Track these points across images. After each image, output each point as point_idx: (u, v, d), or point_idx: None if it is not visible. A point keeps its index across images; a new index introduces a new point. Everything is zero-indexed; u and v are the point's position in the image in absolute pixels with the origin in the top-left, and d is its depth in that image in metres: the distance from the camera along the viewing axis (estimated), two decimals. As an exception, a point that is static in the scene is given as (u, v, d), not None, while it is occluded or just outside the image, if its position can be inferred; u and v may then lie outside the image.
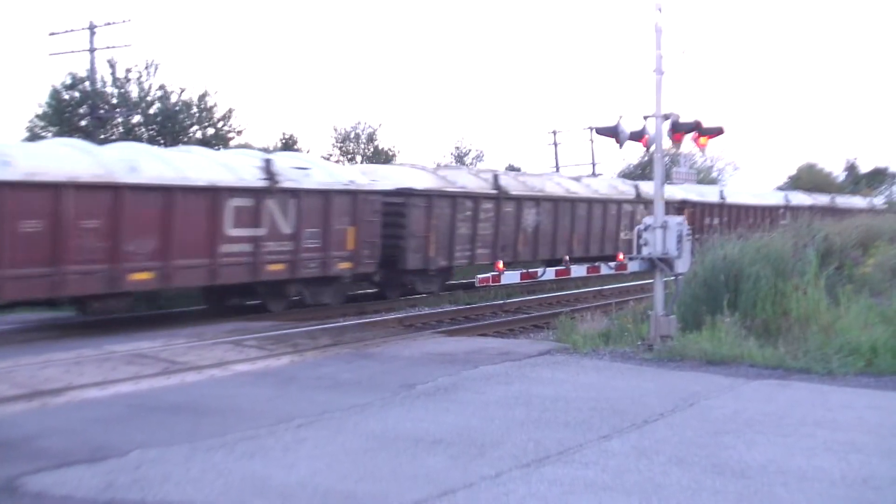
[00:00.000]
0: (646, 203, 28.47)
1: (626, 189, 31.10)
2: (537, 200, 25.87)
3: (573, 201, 27.60)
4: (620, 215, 29.82)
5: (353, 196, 19.95)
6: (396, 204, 21.51)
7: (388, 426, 8.28)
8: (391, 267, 21.54)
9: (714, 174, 64.76)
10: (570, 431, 8.05)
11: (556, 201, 26.78)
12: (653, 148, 13.02)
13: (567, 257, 19.98)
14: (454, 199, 22.89)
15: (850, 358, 11.21)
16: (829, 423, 8.48)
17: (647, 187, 30.12)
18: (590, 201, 28.36)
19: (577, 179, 30.62)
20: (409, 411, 8.93)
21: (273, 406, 9.28)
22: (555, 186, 27.61)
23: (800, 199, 44.48)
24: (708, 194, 36.84)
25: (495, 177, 24.92)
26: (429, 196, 22.18)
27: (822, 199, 47.01)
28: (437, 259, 22.42)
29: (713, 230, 31.16)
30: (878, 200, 54.53)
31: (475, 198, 23.51)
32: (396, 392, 9.87)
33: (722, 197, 37.34)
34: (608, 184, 31.31)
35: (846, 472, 6.91)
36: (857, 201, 52.37)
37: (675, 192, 32.01)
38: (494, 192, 24.20)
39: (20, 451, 7.54)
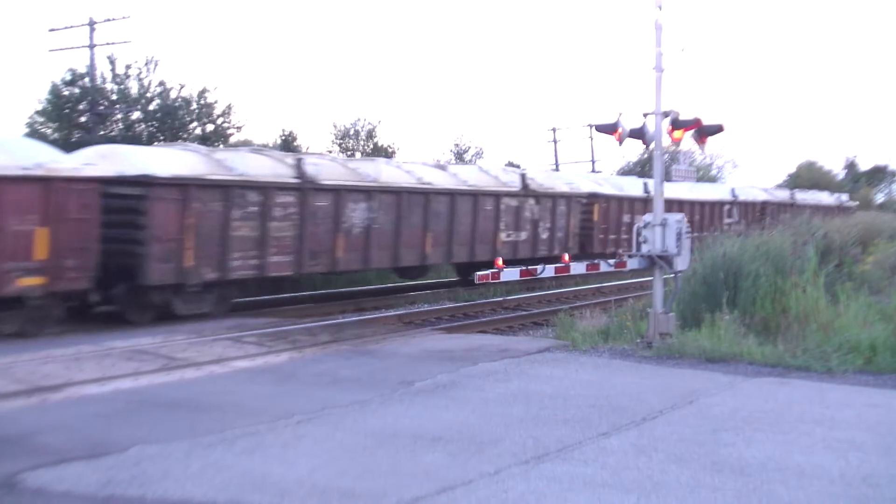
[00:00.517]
0: (537, 197, 25.20)
1: (509, 179, 25.03)
2: (368, 193, 19.95)
3: (427, 194, 21.55)
4: (500, 212, 23.83)
5: (45, 184, 14.34)
6: (131, 196, 15.97)
7: (387, 423, 8.29)
8: (131, 281, 16.19)
9: (714, 171, 64.77)
10: (569, 429, 8.05)
11: (398, 194, 20.73)
12: (652, 145, 13.03)
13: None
14: (228, 189, 17.12)
15: (850, 356, 11.22)
16: (827, 420, 8.49)
17: (545, 178, 26.82)
18: (452, 194, 22.31)
19: (442, 167, 24.53)
20: (408, 408, 8.93)
21: (272, 402, 9.28)
22: (399, 175, 21.64)
23: (751, 193, 39.43)
24: (628, 187, 31.37)
25: (299, 162, 19.05)
26: (183, 186, 16.41)
27: (779, 195, 42.57)
28: (201, 270, 16.77)
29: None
30: (845, 198, 49.41)
31: (263, 188, 17.71)
32: (395, 389, 9.88)
33: (646, 190, 31.09)
34: (482, 172, 25.24)
35: (845, 469, 6.92)
36: (824, 197, 47.54)
37: (583, 183, 28.85)
38: (296, 181, 18.42)
39: (19, 447, 7.54)
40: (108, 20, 34.01)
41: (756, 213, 37.47)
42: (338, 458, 7.11)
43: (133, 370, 11.09)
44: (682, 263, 12.74)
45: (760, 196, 39.90)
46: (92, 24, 34.07)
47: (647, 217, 12.87)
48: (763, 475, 6.74)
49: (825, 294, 13.51)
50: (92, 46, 34.39)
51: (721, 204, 35.70)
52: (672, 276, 12.92)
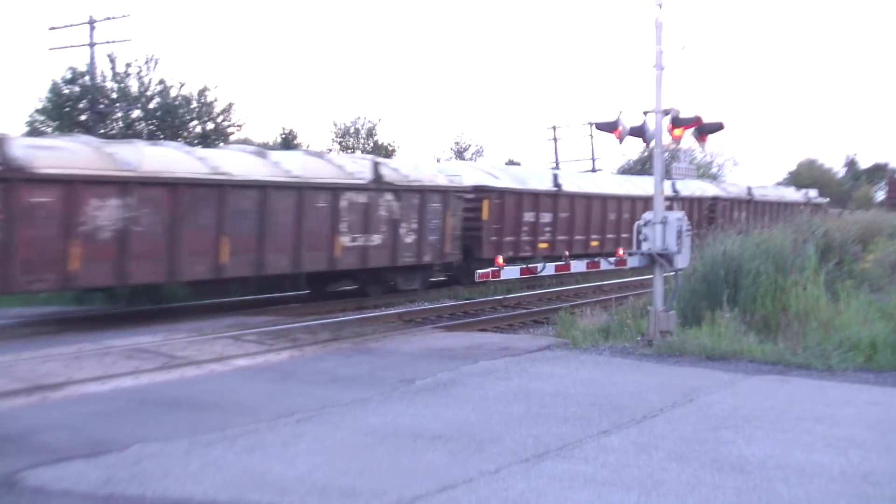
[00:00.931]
0: (397, 191, 20.52)
1: (357, 169, 19.97)
2: (124, 185, 15.35)
3: (222, 187, 16.87)
4: (339, 210, 19.05)
5: None
6: None
7: (387, 421, 8.29)
8: None
9: (714, 169, 64.78)
10: (569, 427, 8.05)
11: (173, 187, 16.11)
12: (653, 143, 13.03)
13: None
14: None
15: (850, 353, 11.22)
16: (828, 418, 8.49)
17: (410, 169, 21.99)
18: (263, 187, 17.63)
19: (261, 154, 19.43)
20: (408, 406, 8.93)
21: (272, 401, 9.28)
22: (177, 162, 16.80)
23: (698, 188, 34.83)
24: (533, 180, 26.38)
25: (3, 144, 14.18)
26: None
27: (733, 190, 37.87)
28: None
29: (543, 229, 25.95)
30: (813, 193, 45.04)
31: None
32: (396, 387, 9.87)
33: (556, 183, 26.77)
34: (317, 160, 20.33)
35: (845, 467, 6.91)
36: (789, 194, 43.14)
37: (469, 174, 24.47)
38: None
39: (20, 445, 7.54)
40: (109, 18, 34.08)
41: (704, 211, 33.60)
42: (338, 457, 7.10)
43: (133, 368, 11.09)
44: (682, 261, 12.75)
45: (710, 191, 35.82)
46: (92, 22, 34.09)
47: (648, 215, 12.91)
48: (763, 473, 6.73)
49: (825, 292, 13.51)
50: (92, 45, 34.41)
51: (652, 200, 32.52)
52: (672, 273, 12.92)
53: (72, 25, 34.77)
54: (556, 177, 27.22)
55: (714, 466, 6.88)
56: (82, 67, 35.45)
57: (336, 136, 49.98)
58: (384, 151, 45.92)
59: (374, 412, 8.67)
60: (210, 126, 37.18)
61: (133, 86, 36.17)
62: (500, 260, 13.16)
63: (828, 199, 48.04)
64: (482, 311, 20.03)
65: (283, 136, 44.80)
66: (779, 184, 54.70)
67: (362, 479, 6.54)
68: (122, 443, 7.45)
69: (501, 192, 24.39)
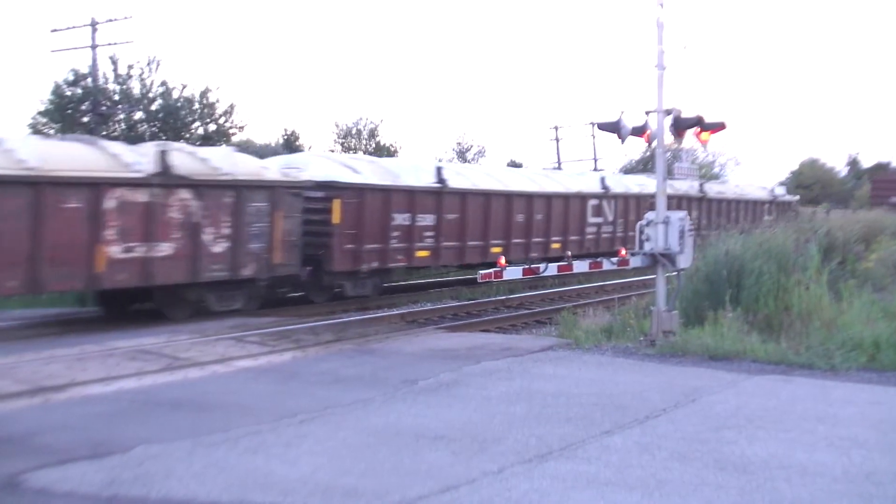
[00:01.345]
0: (196, 187, 16.44)
1: (135, 159, 15.95)
2: None
3: None
4: (101, 211, 15.01)
5: None
6: None
7: (389, 422, 8.29)
8: None
9: (716, 169, 64.74)
10: (572, 427, 8.05)
11: None
12: (654, 143, 13.03)
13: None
14: None
15: (853, 353, 11.21)
16: (831, 418, 8.48)
17: (221, 159, 17.39)
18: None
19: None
20: (411, 407, 8.93)
21: (275, 402, 9.29)
22: None
23: (635, 184, 30.32)
24: (406, 175, 21.49)
25: None
26: None
27: (681, 186, 32.26)
28: None
29: (422, 235, 21.21)
30: (780, 191, 41.01)
31: None
32: (398, 388, 9.87)
33: (440, 179, 21.89)
34: (82, 148, 15.82)
35: (848, 467, 6.91)
36: (751, 191, 38.42)
37: (318, 167, 20.07)
38: None
39: (23, 447, 7.55)
40: (111, 20, 34.05)
41: (643, 210, 26.42)
42: (341, 457, 7.11)
43: (137, 370, 11.10)
44: (684, 261, 12.75)
45: (650, 187, 28.24)
46: (94, 24, 34.10)
47: (650, 215, 12.93)
48: (766, 473, 6.73)
49: (828, 291, 13.50)
50: (94, 47, 34.42)
51: (583, 198, 26.83)
52: (675, 273, 12.92)
53: (74, 27, 34.79)
54: (439, 171, 22.43)
55: (717, 466, 6.88)
56: (84, 69, 35.49)
57: (338, 137, 50.02)
58: (386, 152, 45.93)
59: (376, 413, 8.67)
60: (212, 127, 37.20)
61: (135, 87, 36.20)
62: (503, 261, 13.15)
63: (797, 198, 44.29)
64: (485, 311, 20.03)
65: (286, 137, 44.80)
66: (781, 183, 54.13)
67: (365, 480, 6.54)
68: (125, 444, 7.46)
69: (360, 190, 19.66)
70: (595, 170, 48.42)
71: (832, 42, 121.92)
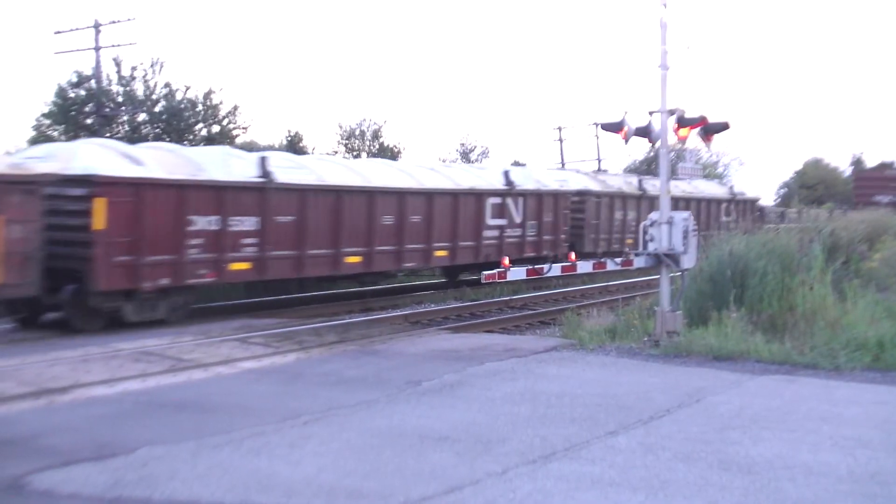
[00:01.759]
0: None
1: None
2: None
3: None
4: None
5: None
6: None
7: (393, 423, 8.29)
8: None
9: (720, 169, 64.68)
10: (576, 427, 8.04)
11: None
12: (658, 143, 13.03)
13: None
14: None
15: (857, 353, 11.20)
16: (835, 418, 8.47)
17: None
18: None
19: None
20: (414, 408, 8.93)
21: (279, 403, 9.29)
22: None
23: (552, 180, 26.22)
24: (212, 167, 16.86)
25: None
26: None
27: (614, 183, 29.24)
28: None
29: (238, 242, 16.75)
30: (743, 188, 37.86)
31: None
32: (402, 389, 9.87)
33: (265, 172, 17.49)
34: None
35: (853, 467, 6.90)
36: (707, 188, 34.71)
37: (81, 157, 15.29)
38: None
39: (27, 448, 7.56)
40: (114, 22, 34.13)
41: (563, 210, 25.19)
42: (344, 458, 7.11)
43: (140, 371, 11.10)
44: (688, 261, 12.74)
45: (573, 183, 27.08)
46: (97, 26, 34.17)
47: (654, 215, 12.93)
48: (770, 473, 6.72)
49: (832, 291, 13.47)
50: (97, 48, 34.50)
51: (479, 196, 22.45)
52: (679, 274, 12.92)
53: (77, 29, 34.87)
54: (263, 161, 17.77)
55: (721, 467, 6.87)
56: (88, 71, 35.56)
57: (342, 138, 50.04)
58: (389, 153, 45.93)
59: (380, 414, 8.67)
60: (216, 129, 37.22)
61: (139, 89, 36.24)
62: (507, 261, 13.19)
63: (759, 197, 40.64)
64: (488, 312, 20.04)
65: (289, 138, 44.80)
66: (785, 183, 53.74)
67: (369, 481, 6.54)
68: (129, 445, 7.47)
69: (137, 185, 15.28)
70: (598, 170, 48.22)
71: (836, 41, 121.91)
